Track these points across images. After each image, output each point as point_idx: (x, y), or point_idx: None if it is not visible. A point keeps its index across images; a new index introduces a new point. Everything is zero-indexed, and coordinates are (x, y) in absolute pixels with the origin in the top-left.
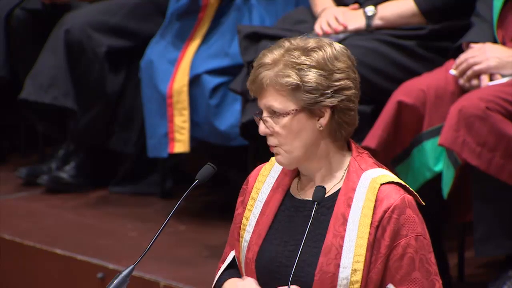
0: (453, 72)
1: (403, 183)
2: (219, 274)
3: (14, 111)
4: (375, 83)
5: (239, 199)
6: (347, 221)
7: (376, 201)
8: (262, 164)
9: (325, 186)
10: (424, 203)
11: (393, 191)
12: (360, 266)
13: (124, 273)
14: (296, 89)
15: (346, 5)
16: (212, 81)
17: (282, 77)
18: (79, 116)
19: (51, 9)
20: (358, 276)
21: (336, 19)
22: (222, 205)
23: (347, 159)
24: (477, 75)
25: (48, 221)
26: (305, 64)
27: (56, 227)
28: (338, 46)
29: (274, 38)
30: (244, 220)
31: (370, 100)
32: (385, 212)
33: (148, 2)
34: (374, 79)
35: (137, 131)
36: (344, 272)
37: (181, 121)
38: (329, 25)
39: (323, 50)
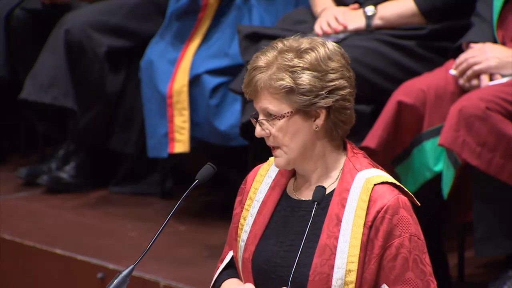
0: (453, 72)
1: (398, 183)
2: (217, 274)
3: (14, 111)
4: (375, 83)
5: (237, 198)
6: (341, 221)
7: (369, 201)
8: (260, 164)
9: None
10: (419, 204)
11: (387, 191)
12: (354, 266)
13: (124, 273)
14: (290, 92)
15: (346, 5)
16: (212, 81)
17: (275, 80)
18: (79, 116)
19: (51, 9)
20: (353, 277)
21: (336, 19)
22: (222, 205)
23: (343, 159)
24: (477, 75)
25: (48, 221)
26: (298, 67)
27: (56, 227)
28: (331, 45)
29: (274, 38)
30: (241, 220)
31: (370, 100)
32: (378, 212)
33: (148, 2)
34: (374, 79)
35: (137, 131)
36: (339, 273)
37: (181, 121)
38: (329, 25)
39: (316, 51)
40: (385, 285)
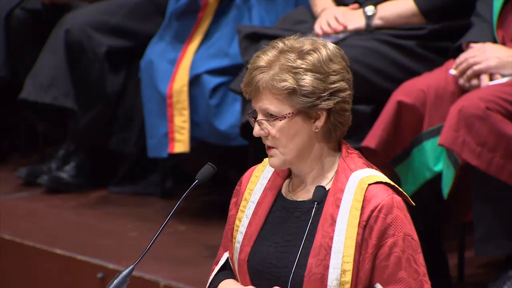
0: (453, 72)
1: (392, 183)
2: (213, 275)
3: (14, 111)
4: (375, 83)
5: (233, 200)
6: (335, 222)
7: (364, 201)
8: (255, 165)
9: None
10: (414, 204)
11: (381, 191)
12: (349, 266)
13: (124, 273)
14: (292, 93)
15: (346, 5)
16: (212, 81)
17: (278, 81)
18: (79, 116)
19: (51, 9)
20: (348, 277)
21: (336, 19)
22: (222, 205)
23: (338, 160)
24: (477, 75)
25: (48, 221)
26: (301, 68)
27: (56, 227)
28: (331, 46)
29: (274, 38)
30: (237, 221)
31: (370, 100)
32: (372, 211)
33: (148, 2)
34: (374, 79)
35: (137, 131)
36: (334, 273)
37: (181, 121)
38: (329, 25)
39: (318, 53)
40: (378, 284)
